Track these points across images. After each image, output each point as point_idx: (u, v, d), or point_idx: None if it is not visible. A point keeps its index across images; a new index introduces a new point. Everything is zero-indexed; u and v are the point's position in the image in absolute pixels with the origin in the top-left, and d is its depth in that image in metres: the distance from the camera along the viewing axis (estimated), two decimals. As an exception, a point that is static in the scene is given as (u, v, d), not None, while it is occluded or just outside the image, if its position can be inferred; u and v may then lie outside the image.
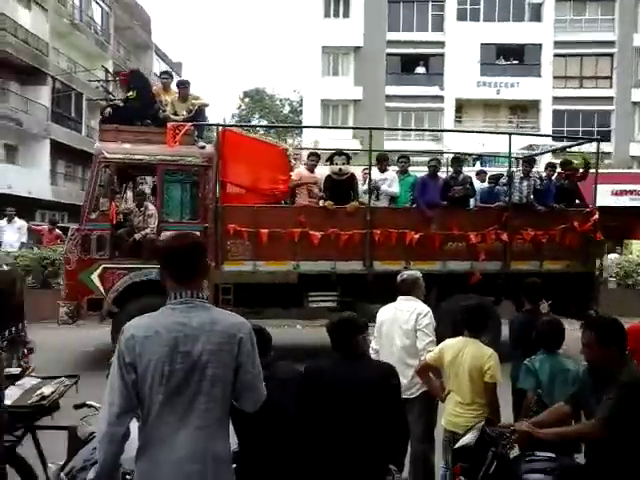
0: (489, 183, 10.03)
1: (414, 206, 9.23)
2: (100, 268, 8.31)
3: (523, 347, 4.46)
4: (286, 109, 52.62)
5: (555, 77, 30.75)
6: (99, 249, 8.37)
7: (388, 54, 30.54)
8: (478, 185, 10.28)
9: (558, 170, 10.12)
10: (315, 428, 3.02)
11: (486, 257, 9.04)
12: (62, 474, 2.95)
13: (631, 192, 22.79)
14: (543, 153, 12.81)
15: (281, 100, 53.24)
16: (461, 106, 31.14)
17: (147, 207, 8.69)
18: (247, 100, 52.16)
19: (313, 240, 8.62)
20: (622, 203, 22.37)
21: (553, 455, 3.21)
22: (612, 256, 14.97)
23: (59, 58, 27.75)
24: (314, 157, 9.44)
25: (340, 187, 8.95)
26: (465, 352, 3.95)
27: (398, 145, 29.77)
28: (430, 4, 31.00)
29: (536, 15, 30.91)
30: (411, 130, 31.95)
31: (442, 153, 29.74)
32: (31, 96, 25.54)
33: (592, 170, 9.83)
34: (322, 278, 8.85)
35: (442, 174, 10.07)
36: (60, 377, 3.78)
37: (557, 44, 30.39)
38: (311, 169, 9.23)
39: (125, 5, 34.36)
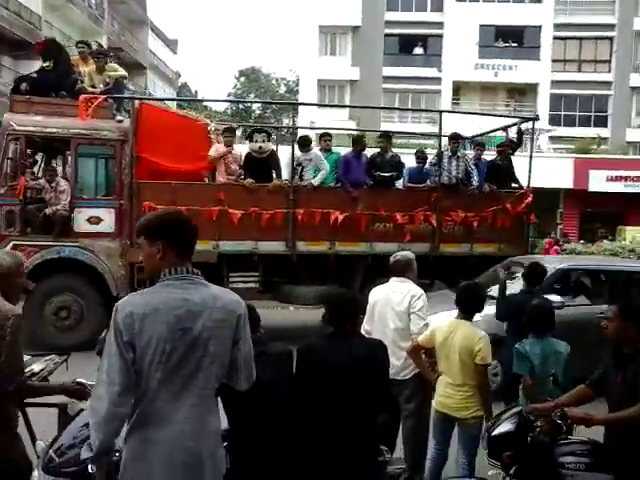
0: (417, 162, 9.63)
1: (339, 185, 8.96)
2: (10, 245, 7.88)
3: (515, 326, 4.48)
4: (282, 89, 52.24)
5: (554, 60, 30.55)
6: (8, 225, 8.04)
7: (386, 34, 30.25)
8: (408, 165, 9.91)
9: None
10: (307, 408, 3.01)
11: (414, 239, 8.78)
12: (51, 451, 2.94)
13: (626, 178, 22.77)
14: (478, 135, 12.14)
15: (277, 80, 52.85)
16: (459, 88, 30.95)
17: (59, 183, 8.35)
18: (243, 79, 51.74)
19: (233, 219, 8.36)
20: (616, 189, 22.38)
21: (585, 438, 3.31)
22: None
23: (52, 32, 27.25)
24: (230, 132, 9.13)
25: (261, 165, 8.70)
26: (456, 333, 3.94)
27: (395, 127, 29.68)
28: (429, -16, 30.66)
29: (536, -4, 30.61)
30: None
31: (439, 135, 29.56)
32: (24, 70, 25.15)
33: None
34: (243, 258, 8.63)
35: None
36: (50, 354, 3.76)
37: (557, 26, 30.12)
38: (228, 144, 8.86)
39: (120, -21, 33.80)
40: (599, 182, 22.43)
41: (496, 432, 3.41)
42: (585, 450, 3.23)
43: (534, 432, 3.22)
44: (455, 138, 9.37)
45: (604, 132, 29.76)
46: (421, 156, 9.68)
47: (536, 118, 10.27)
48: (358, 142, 9.22)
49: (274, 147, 9.42)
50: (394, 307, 4.34)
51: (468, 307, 4.05)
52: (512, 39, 30.87)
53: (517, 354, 4.06)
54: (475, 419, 3.89)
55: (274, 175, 8.85)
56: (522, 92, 31.55)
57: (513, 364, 4.11)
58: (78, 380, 3.30)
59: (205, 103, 34.14)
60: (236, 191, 8.59)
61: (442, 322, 4.10)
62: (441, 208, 8.87)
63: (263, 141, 8.73)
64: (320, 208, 8.59)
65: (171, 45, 45.16)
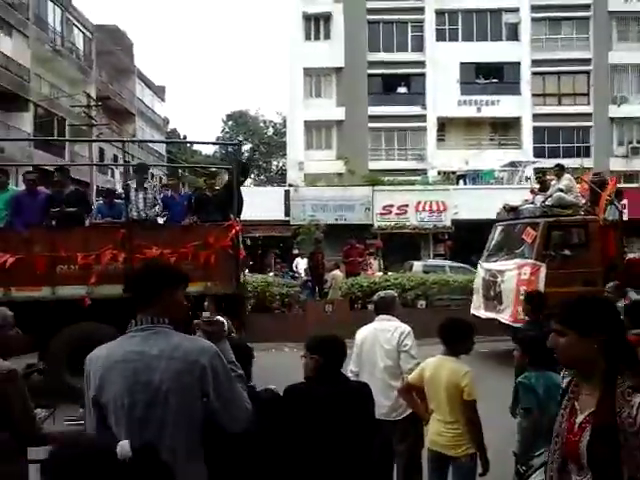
0: (98, 198, 9.13)
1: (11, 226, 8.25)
2: None
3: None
4: (270, 131, 52.92)
5: (534, 94, 31.18)
6: None
7: (369, 74, 30.84)
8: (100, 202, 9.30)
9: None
10: (296, 453, 2.95)
11: (103, 280, 7.92)
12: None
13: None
14: (197, 166, 11.31)
15: (265, 122, 53.58)
16: (443, 124, 31.46)
17: None
18: (231, 123, 52.43)
19: None
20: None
21: None
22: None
23: (41, 84, 27.72)
24: None
25: None
26: (442, 370, 3.89)
27: (382, 165, 30.09)
28: (409, 25, 31.42)
29: (513, 34, 31.44)
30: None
31: (426, 172, 29.86)
32: (13, 123, 25.43)
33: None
34: None
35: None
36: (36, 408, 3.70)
37: (535, 62, 30.86)
38: None
39: (107, 30, 34.55)
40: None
41: None
42: None
43: None
44: (139, 170, 8.73)
45: (587, 162, 30.21)
46: (102, 191, 9.15)
47: (239, 143, 9.66)
48: (29, 179, 8.63)
49: None
50: (383, 345, 4.31)
51: (452, 342, 3.97)
52: (492, 75, 31.57)
53: (523, 388, 3.86)
54: (468, 456, 3.84)
55: None
56: (505, 126, 32.10)
57: (520, 399, 3.91)
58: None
59: (195, 147, 34.59)
60: None
61: (430, 360, 4.07)
62: (132, 245, 8.08)
63: None
64: None
65: (159, 92, 45.85)
